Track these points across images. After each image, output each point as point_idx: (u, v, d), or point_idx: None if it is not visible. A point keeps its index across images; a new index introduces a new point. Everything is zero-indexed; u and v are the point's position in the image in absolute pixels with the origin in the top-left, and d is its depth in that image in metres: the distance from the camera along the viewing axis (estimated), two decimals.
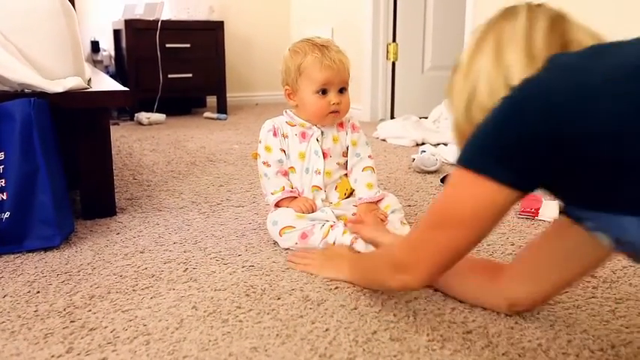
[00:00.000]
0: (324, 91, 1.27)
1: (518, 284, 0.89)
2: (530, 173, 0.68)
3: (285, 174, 1.32)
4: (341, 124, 1.35)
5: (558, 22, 0.74)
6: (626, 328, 0.89)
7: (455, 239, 0.76)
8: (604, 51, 0.68)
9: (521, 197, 0.71)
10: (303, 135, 1.32)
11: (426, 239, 0.80)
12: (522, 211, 1.47)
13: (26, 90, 1.32)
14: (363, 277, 1.03)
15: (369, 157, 1.36)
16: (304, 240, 1.22)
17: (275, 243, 1.27)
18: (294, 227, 1.23)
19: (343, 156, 1.35)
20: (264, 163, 1.32)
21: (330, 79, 1.26)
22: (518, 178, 0.69)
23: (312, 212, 1.27)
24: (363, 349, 0.83)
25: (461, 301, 0.97)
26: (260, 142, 1.34)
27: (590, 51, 0.69)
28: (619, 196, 0.62)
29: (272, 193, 1.31)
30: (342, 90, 1.29)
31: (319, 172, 1.31)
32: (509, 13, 0.77)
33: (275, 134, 1.32)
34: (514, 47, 0.73)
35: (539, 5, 0.77)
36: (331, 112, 1.29)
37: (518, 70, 0.71)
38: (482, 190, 0.70)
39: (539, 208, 1.46)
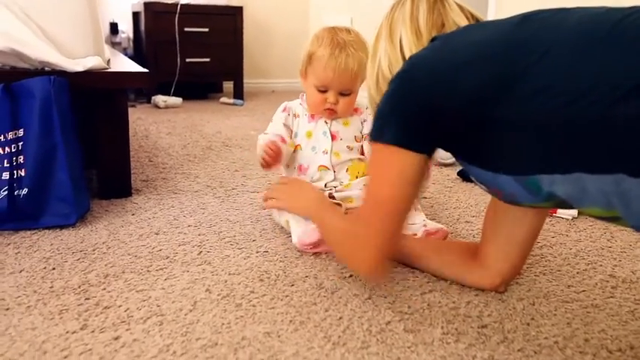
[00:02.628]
0: (323, 90, 1.27)
1: (496, 253, 0.96)
2: (426, 137, 0.80)
3: (283, 140, 1.30)
4: (356, 109, 1.35)
5: (437, 5, 0.89)
6: None
7: (391, 212, 0.84)
8: (470, 30, 0.82)
9: (427, 160, 0.82)
10: (312, 116, 1.34)
11: (371, 219, 0.86)
12: None
13: (46, 68, 1.32)
14: (327, 236, 1.04)
15: None
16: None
17: None
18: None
19: (356, 141, 1.34)
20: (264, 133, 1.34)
21: (329, 82, 1.26)
22: (416, 143, 0.79)
23: (276, 157, 1.25)
24: (377, 339, 0.83)
25: (451, 282, 1.02)
26: (272, 121, 1.37)
27: (461, 32, 0.83)
28: (495, 158, 0.74)
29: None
30: (345, 93, 1.28)
31: (326, 152, 1.31)
32: (398, 3, 0.93)
33: (284, 110, 1.36)
34: (404, 28, 0.89)
35: None
36: (326, 109, 1.29)
37: (408, 45, 0.87)
38: (395, 158, 0.81)
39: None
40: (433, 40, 0.84)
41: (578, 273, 1.08)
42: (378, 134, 0.82)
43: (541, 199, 0.73)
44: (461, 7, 0.90)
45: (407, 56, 0.86)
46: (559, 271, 1.09)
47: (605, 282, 1.04)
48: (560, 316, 0.91)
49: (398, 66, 0.86)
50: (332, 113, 1.30)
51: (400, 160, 0.80)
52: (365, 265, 0.89)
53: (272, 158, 1.23)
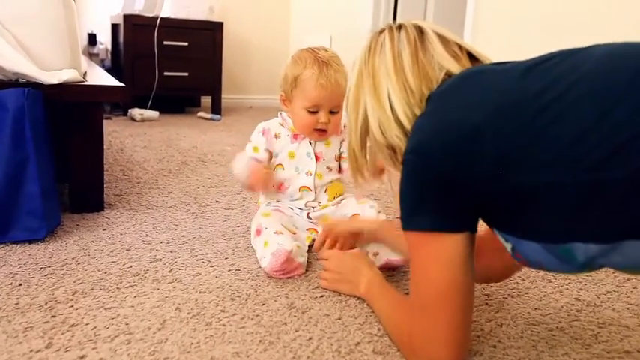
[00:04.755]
0: (314, 111, 1.26)
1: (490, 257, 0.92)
2: (457, 214, 0.72)
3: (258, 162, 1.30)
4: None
5: (418, 53, 0.80)
6: (607, 352, 0.90)
7: (453, 297, 0.74)
8: (469, 86, 0.74)
9: (471, 238, 0.74)
10: (295, 136, 1.32)
11: (435, 310, 0.76)
12: None
13: (21, 79, 1.31)
14: (381, 317, 0.95)
15: None
16: (257, 236, 1.23)
17: None
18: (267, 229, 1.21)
19: (335, 160, 1.35)
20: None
21: (322, 100, 1.24)
22: (452, 222, 0.73)
23: (264, 184, 1.25)
24: None
25: None
26: (250, 141, 1.34)
27: (458, 88, 0.74)
28: (522, 224, 0.68)
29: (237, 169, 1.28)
30: (334, 111, 1.28)
31: (310, 174, 1.31)
32: (376, 44, 0.84)
33: (264, 134, 1.32)
34: (390, 83, 0.80)
35: (399, 28, 0.84)
36: (317, 130, 1.28)
37: (401, 107, 0.79)
38: (438, 244, 0.73)
39: None
40: (429, 98, 0.78)
41: (544, 296, 1.10)
42: (410, 223, 0.75)
43: (576, 268, 0.66)
44: (445, 43, 0.82)
45: (401, 119, 0.79)
46: (527, 293, 1.11)
47: (571, 305, 1.07)
48: (527, 338, 0.93)
49: (392, 130, 0.80)
50: (323, 134, 1.29)
51: (443, 244, 0.73)
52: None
53: (259, 185, 1.24)
